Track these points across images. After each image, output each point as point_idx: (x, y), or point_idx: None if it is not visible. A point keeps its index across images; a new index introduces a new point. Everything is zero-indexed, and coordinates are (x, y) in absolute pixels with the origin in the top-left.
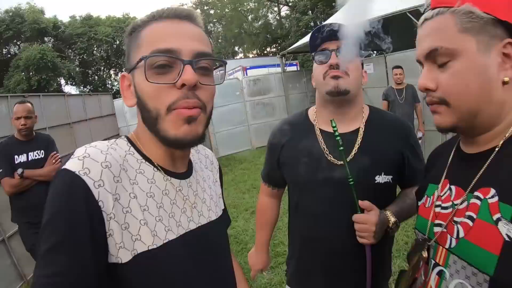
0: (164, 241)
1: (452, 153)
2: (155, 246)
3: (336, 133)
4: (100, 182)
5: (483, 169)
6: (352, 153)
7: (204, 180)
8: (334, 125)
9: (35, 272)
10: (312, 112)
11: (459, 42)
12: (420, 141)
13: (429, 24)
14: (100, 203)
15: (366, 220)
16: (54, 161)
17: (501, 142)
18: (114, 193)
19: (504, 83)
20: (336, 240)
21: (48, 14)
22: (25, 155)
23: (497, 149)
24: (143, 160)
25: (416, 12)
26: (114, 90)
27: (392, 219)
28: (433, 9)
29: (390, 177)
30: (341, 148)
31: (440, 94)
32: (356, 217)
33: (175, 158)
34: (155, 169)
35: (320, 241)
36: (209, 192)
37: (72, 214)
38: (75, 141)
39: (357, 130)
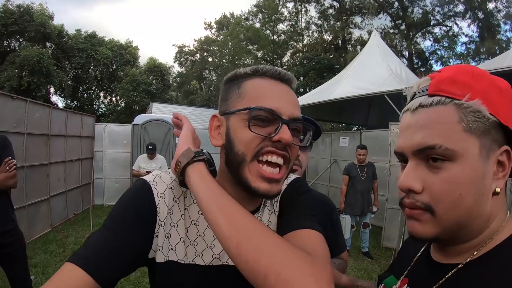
0: (190, 263)
1: (420, 252)
2: (182, 262)
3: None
4: (163, 195)
5: (440, 282)
6: None
7: (268, 224)
8: None
9: (92, 232)
10: None
11: (462, 143)
12: (373, 215)
13: (426, 113)
14: (157, 209)
15: None
16: (8, 168)
17: (466, 260)
18: (170, 208)
19: (494, 193)
20: None
21: (57, 21)
22: None
23: (460, 266)
24: None
25: (393, 96)
26: (100, 112)
27: None
28: (430, 95)
29: None
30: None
31: (426, 199)
32: None
33: (240, 202)
34: None
35: None
36: None
37: (135, 204)
38: (48, 153)
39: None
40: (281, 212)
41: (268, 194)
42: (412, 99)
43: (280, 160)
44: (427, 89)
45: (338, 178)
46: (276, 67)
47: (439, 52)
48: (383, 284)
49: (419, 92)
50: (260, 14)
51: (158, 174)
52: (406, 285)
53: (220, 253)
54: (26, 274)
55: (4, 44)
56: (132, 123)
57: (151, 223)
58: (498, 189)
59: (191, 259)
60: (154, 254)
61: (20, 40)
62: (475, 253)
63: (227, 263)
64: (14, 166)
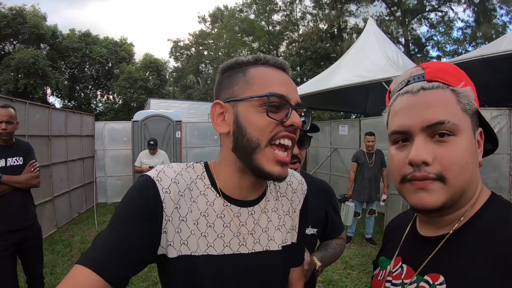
0: (204, 254)
1: (407, 230)
2: (196, 254)
3: None
4: (168, 190)
5: (433, 253)
6: None
7: (274, 209)
8: None
9: (100, 232)
10: None
11: (462, 120)
12: (383, 203)
13: (430, 95)
14: (163, 204)
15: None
16: (32, 169)
17: (453, 228)
18: (176, 202)
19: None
20: None
21: (50, 22)
22: (3, 160)
23: (448, 235)
24: (210, 186)
25: (390, 83)
26: (97, 111)
27: (318, 263)
28: (429, 81)
29: (315, 230)
30: None
31: (438, 168)
32: None
33: (246, 188)
34: (218, 195)
35: None
36: (277, 223)
37: (140, 201)
38: (50, 154)
39: None
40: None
41: (281, 176)
42: (407, 84)
43: (289, 143)
44: (423, 76)
45: (339, 166)
46: (275, 57)
47: (435, 38)
48: (379, 267)
49: (413, 79)
50: (254, 5)
51: (162, 169)
52: (400, 262)
53: (231, 242)
54: (40, 267)
55: None
56: (131, 120)
57: (158, 219)
58: (481, 161)
59: (204, 250)
60: (164, 250)
61: (14, 42)
62: (461, 219)
63: (238, 252)
64: (38, 168)
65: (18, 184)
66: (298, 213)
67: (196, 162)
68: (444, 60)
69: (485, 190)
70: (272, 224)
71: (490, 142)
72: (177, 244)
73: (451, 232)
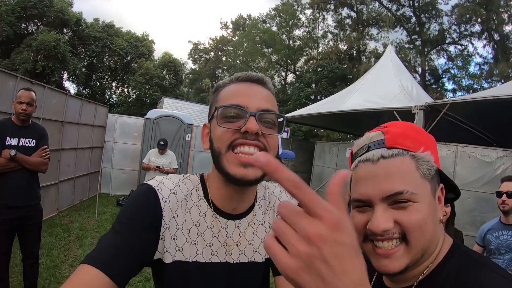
0: (193, 260)
1: (374, 280)
2: (189, 260)
3: None
4: (167, 199)
5: None
6: None
7: (261, 223)
8: None
9: (103, 235)
10: None
11: (420, 187)
12: None
13: (389, 163)
14: (163, 213)
15: None
16: (44, 154)
17: (417, 280)
18: (174, 212)
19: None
20: None
21: (75, 9)
22: (16, 139)
23: (413, 286)
24: (203, 197)
25: (402, 112)
26: (111, 102)
27: None
28: (389, 148)
29: None
30: None
31: (400, 229)
32: None
33: (231, 200)
34: (209, 206)
35: None
36: (262, 236)
37: (142, 209)
38: (61, 139)
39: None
40: None
41: (245, 178)
42: (367, 151)
43: (252, 150)
44: (383, 142)
45: None
46: (251, 73)
47: (452, 71)
48: None
49: (374, 145)
50: (277, 18)
51: (161, 180)
52: None
53: (218, 251)
54: (37, 246)
55: (22, 27)
56: (145, 117)
57: (157, 226)
58: (441, 217)
59: (193, 257)
60: (160, 256)
61: (38, 24)
62: (424, 272)
63: (225, 260)
64: (48, 155)
65: (27, 164)
66: None
67: (193, 174)
68: (459, 94)
69: (448, 240)
70: (257, 237)
71: (452, 192)
72: (172, 251)
73: (415, 284)
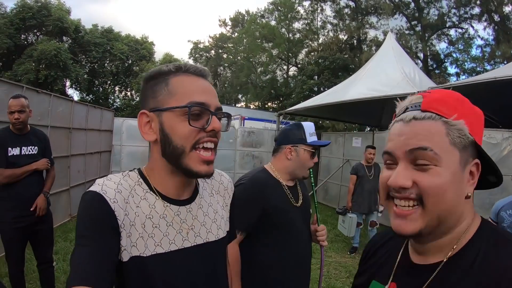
0: (153, 253)
1: (400, 256)
2: (144, 255)
3: (312, 178)
4: (115, 200)
5: (428, 281)
6: (301, 199)
7: (210, 205)
8: (311, 171)
9: (71, 256)
10: (272, 171)
11: (447, 152)
12: (381, 214)
13: (420, 124)
14: (116, 213)
15: (324, 228)
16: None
17: (447, 256)
18: (124, 209)
19: (467, 197)
20: (304, 248)
21: (73, 16)
22: (18, 148)
23: (442, 264)
24: (148, 190)
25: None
26: (115, 106)
27: None
28: (423, 111)
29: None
30: (313, 184)
31: (418, 191)
32: (321, 227)
33: (179, 188)
34: (157, 197)
35: (296, 252)
36: (212, 216)
37: (96, 217)
38: (70, 146)
39: (296, 184)
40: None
41: (208, 173)
42: (404, 112)
43: (212, 145)
44: (419, 105)
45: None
46: (196, 64)
47: (454, 55)
48: None
49: (411, 107)
50: (276, 12)
51: (103, 183)
52: None
53: (175, 238)
54: (50, 252)
55: (22, 38)
56: None
57: (115, 228)
58: (469, 194)
59: (152, 250)
60: (120, 255)
61: (38, 34)
62: (454, 247)
63: (183, 246)
64: (48, 164)
65: (36, 166)
66: (229, 207)
67: (130, 170)
68: (462, 78)
69: (477, 218)
70: (208, 218)
71: (494, 175)
72: (128, 247)
73: (445, 260)
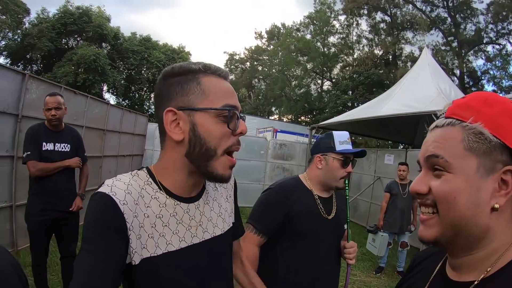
0: (164, 252)
1: (436, 270)
2: (156, 254)
3: (347, 190)
4: (125, 201)
5: None
6: (334, 212)
7: (214, 199)
8: (347, 182)
9: (76, 259)
10: (305, 181)
11: (460, 159)
12: (410, 234)
13: (438, 132)
14: (124, 215)
15: (354, 245)
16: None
17: (480, 278)
18: (134, 211)
19: (493, 209)
20: (329, 262)
21: (113, 24)
22: (52, 144)
23: (475, 283)
24: (158, 190)
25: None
26: (149, 112)
27: None
28: (446, 118)
29: (346, 225)
30: (347, 196)
31: (432, 197)
32: (350, 244)
33: (191, 187)
34: (167, 196)
35: (319, 266)
36: (218, 210)
37: (104, 220)
38: (103, 147)
39: (332, 195)
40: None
41: (229, 178)
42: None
43: (238, 149)
44: (445, 113)
45: (380, 195)
46: (220, 67)
47: (491, 72)
48: None
49: (441, 115)
50: (311, 25)
51: (112, 184)
52: None
53: (185, 235)
54: (74, 245)
55: (63, 42)
56: None
57: (123, 231)
58: (496, 205)
59: (163, 248)
60: (130, 259)
61: (78, 39)
62: (488, 269)
63: (192, 243)
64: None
65: (68, 163)
66: (233, 198)
67: (139, 169)
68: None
69: None
70: (214, 212)
71: None
72: (139, 250)
73: (477, 281)
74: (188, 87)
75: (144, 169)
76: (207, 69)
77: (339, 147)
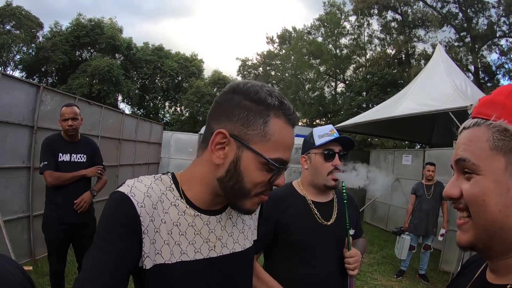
0: (177, 260)
1: (477, 274)
2: (170, 262)
3: (344, 192)
4: (142, 204)
5: None
6: (334, 217)
7: (238, 215)
8: (344, 185)
9: (86, 254)
10: (298, 187)
11: (487, 160)
12: (441, 238)
13: (465, 134)
14: (141, 218)
15: (357, 254)
16: (99, 171)
17: None
18: (151, 215)
19: None
20: (330, 271)
21: (125, 34)
22: (68, 155)
23: (509, 286)
24: (179, 197)
25: (457, 113)
26: (164, 121)
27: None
28: (473, 118)
29: (353, 231)
30: (345, 201)
31: (463, 201)
32: (351, 252)
33: (214, 202)
34: (187, 206)
35: (317, 277)
36: (241, 227)
37: (119, 219)
38: (119, 155)
39: (332, 199)
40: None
41: (254, 211)
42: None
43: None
44: (472, 113)
45: (399, 197)
46: (290, 104)
47: (506, 66)
48: None
49: (469, 115)
50: (322, 28)
51: (133, 184)
52: None
53: (201, 248)
54: None
55: (77, 54)
56: (198, 132)
57: (137, 233)
58: None
59: (178, 257)
60: (141, 262)
61: (92, 51)
62: None
63: (208, 256)
64: (102, 172)
65: (85, 173)
66: (257, 215)
67: (163, 174)
68: None
69: None
70: (236, 228)
71: None
72: (152, 255)
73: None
74: (253, 120)
75: (169, 174)
76: (281, 108)
77: (318, 141)
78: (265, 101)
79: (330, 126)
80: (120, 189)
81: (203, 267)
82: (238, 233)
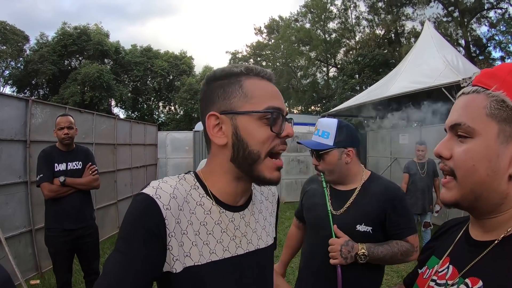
0: (208, 261)
1: (461, 233)
2: (200, 263)
3: (324, 184)
4: (168, 206)
5: (478, 258)
6: (345, 207)
7: (260, 211)
8: (323, 178)
9: (107, 257)
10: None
11: (481, 124)
12: (436, 214)
13: (464, 99)
14: (166, 221)
15: (335, 242)
16: (90, 172)
17: (501, 236)
18: (177, 217)
19: (511, 177)
20: (324, 259)
21: (112, 39)
22: (64, 164)
23: (496, 242)
24: (205, 195)
25: (450, 88)
26: (160, 121)
27: (362, 250)
28: (473, 86)
29: (369, 228)
30: (325, 187)
31: (451, 164)
32: (332, 240)
33: (239, 194)
34: (213, 203)
35: (322, 260)
36: (262, 223)
37: (143, 222)
38: (116, 161)
39: (354, 189)
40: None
41: (278, 180)
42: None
43: (283, 150)
44: (472, 81)
45: (399, 176)
46: (264, 69)
47: (497, 38)
48: (426, 266)
49: (468, 83)
50: (309, 14)
51: (158, 186)
52: (448, 263)
53: (229, 245)
54: (96, 262)
55: (65, 63)
56: (193, 130)
57: (162, 237)
58: None
59: (207, 257)
60: (169, 267)
61: (80, 58)
62: (509, 229)
63: (236, 253)
64: (96, 171)
65: (80, 185)
66: (276, 213)
67: (186, 173)
68: (508, 61)
69: None
70: (259, 225)
71: None
72: (181, 258)
73: (498, 239)
74: (230, 90)
75: (192, 173)
76: (250, 71)
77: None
78: (232, 72)
79: (318, 121)
80: (145, 190)
81: (232, 264)
82: (261, 230)
